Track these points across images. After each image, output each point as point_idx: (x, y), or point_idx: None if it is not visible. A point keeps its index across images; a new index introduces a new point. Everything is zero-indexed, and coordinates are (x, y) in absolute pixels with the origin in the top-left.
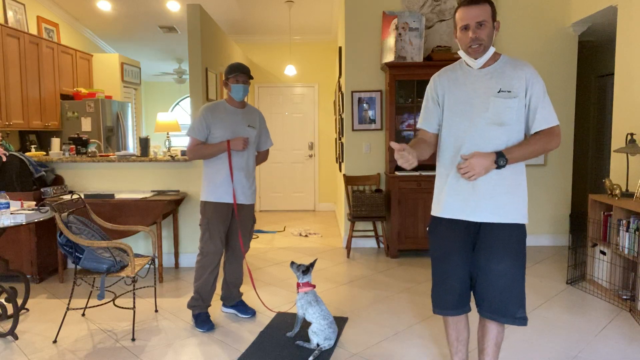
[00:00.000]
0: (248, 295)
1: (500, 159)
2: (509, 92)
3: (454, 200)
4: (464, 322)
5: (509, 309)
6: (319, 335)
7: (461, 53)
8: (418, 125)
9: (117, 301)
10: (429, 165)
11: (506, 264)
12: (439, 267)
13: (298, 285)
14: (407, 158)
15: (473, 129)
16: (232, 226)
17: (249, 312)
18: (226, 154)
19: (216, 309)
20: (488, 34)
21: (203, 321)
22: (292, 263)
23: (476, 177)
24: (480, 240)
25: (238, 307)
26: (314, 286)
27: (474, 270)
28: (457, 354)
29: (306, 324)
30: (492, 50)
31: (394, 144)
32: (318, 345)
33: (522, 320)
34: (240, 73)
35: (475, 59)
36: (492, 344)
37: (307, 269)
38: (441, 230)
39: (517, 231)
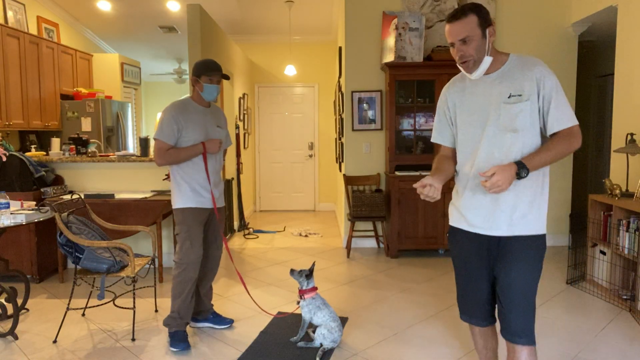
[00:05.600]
0: (241, 298)
1: (522, 170)
2: (520, 95)
3: (471, 214)
4: (492, 329)
5: (527, 329)
6: (327, 337)
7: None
8: (432, 139)
9: (117, 301)
10: (429, 165)
11: (528, 281)
12: (460, 276)
13: (302, 291)
14: (429, 195)
15: (486, 138)
16: (206, 232)
17: (227, 321)
18: (200, 157)
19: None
20: (476, 47)
21: (179, 340)
22: (292, 271)
23: (501, 191)
24: (502, 255)
25: (213, 320)
26: (316, 288)
27: (497, 286)
28: None
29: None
30: (487, 60)
31: (416, 185)
32: (322, 345)
33: (534, 341)
34: (215, 72)
35: (470, 73)
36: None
37: (309, 274)
38: (459, 240)
39: (539, 242)
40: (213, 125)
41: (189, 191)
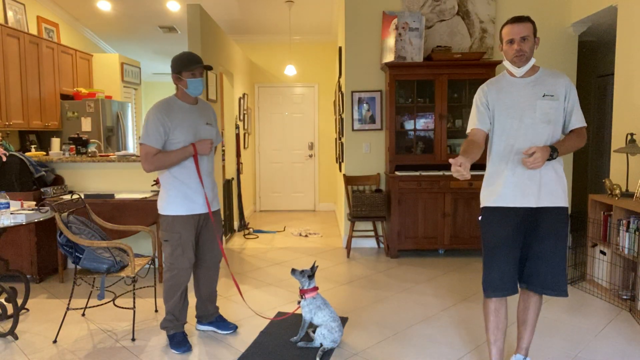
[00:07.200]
0: (240, 298)
1: (554, 152)
2: (552, 96)
3: (513, 190)
4: (504, 311)
5: (559, 283)
6: (327, 337)
7: (506, 63)
8: (473, 127)
9: (117, 301)
10: (428, 165)
11: (558, 243)
12: (495, 253)
13: (303, 291)
14: (462, 173)
15: (524, 127)
16: (202, 236)
17: (230, 327)
18: (191, 159)
19: (191, 328)
20: (530, 47)
21: (179, 342)
22: (294, 270)
23: (539, 167)
24: (536, 224)
25: (217, 324)
26: (317, 288)
27: (526, 251)
28: (495, 342)
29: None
30: (533, 60)
31: (452, 160)
32: (322, 345)
33: (566, 293)
34: (197, 65)
35: (519, 67)
36: (534, 314)
37: (312, 274)
38: (496, 219)
39: (564, 213)
40: (202, 123)
41: (180, 198)
